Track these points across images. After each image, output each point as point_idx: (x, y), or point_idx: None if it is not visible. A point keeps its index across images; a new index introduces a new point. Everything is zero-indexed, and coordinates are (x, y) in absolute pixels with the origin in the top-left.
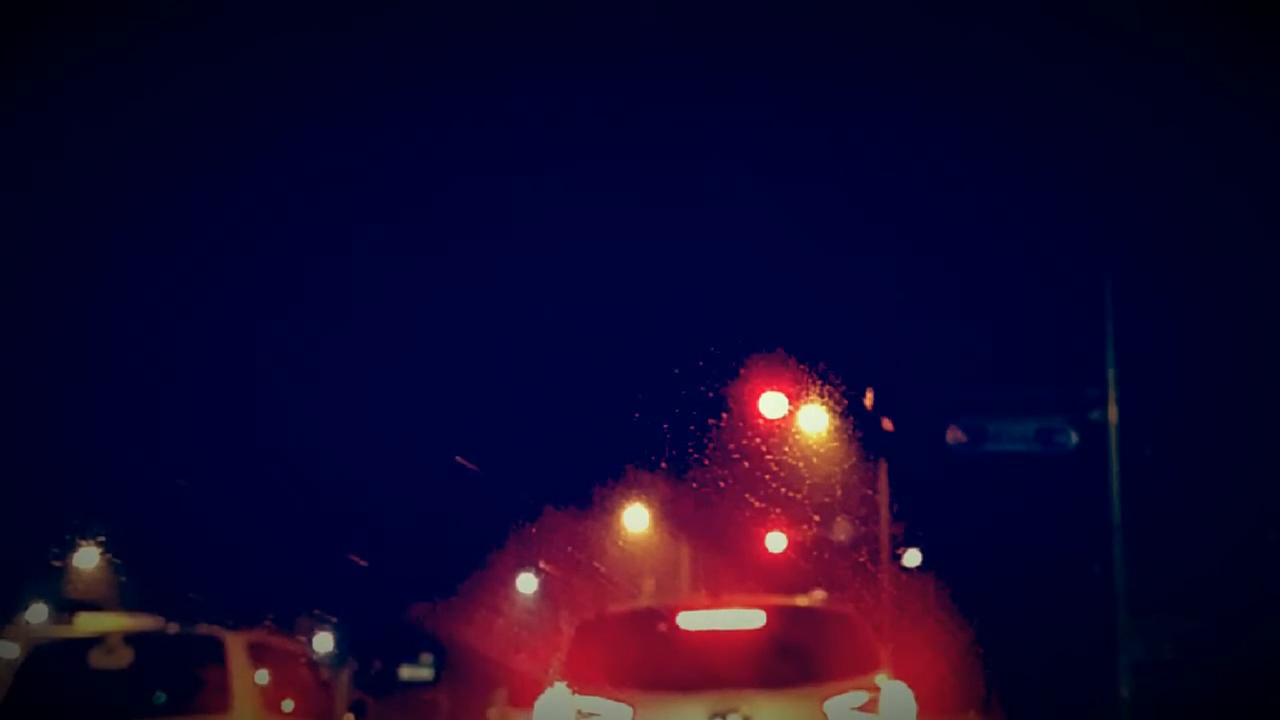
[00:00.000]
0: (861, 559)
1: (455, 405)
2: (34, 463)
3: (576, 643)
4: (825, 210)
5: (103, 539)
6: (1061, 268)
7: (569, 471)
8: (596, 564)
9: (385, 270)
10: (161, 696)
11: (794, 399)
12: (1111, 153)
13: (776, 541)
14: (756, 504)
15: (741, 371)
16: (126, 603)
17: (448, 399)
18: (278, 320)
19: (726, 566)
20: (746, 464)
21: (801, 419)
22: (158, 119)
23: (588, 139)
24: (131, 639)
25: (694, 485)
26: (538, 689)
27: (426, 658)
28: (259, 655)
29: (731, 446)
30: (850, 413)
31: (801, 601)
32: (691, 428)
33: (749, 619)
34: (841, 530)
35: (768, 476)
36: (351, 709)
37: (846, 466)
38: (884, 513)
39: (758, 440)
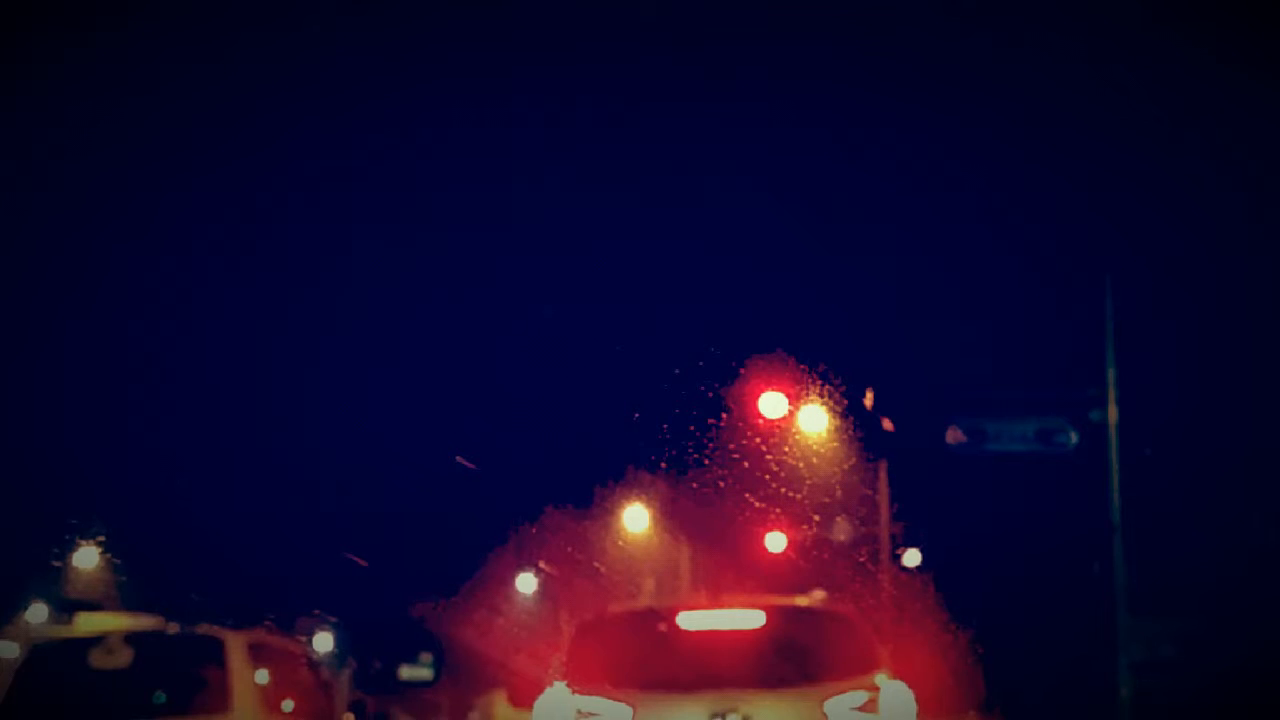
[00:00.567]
0: (861, 559)
1: (455, 405)
2: (34, 463)
3: (576, 642)
4: (825, 210)
5: (103, 539)
6: (1061, 268)
7: (569, 471)
8: (596, 564)
9: (385, 270)
10: (161, 696)
11: (794, 399)
12: (1111, 152)
13: (776, 541)
14: (756, 504)
15: (741, 372)
16: (126, 603)
17: (448, 399)
18: (278, 320)
19: (726, 567)
20: (746, 464)
21: (801, 419)
22: (158, 119)
23: (588, 139)
24: (131, 639)
25: (694, 485)
26: (538, 689)
27: (426, 658)
28: (259, 655)
29: (731, 447)
30: (850, 413)
31: (801, 601)
32: (691, 428)
33: (749, 619)
34: (841, 530)
35: (768, 477)
36: (351, 709)
37: (846, 466)
38: (884, 513)
39: (758, 440)
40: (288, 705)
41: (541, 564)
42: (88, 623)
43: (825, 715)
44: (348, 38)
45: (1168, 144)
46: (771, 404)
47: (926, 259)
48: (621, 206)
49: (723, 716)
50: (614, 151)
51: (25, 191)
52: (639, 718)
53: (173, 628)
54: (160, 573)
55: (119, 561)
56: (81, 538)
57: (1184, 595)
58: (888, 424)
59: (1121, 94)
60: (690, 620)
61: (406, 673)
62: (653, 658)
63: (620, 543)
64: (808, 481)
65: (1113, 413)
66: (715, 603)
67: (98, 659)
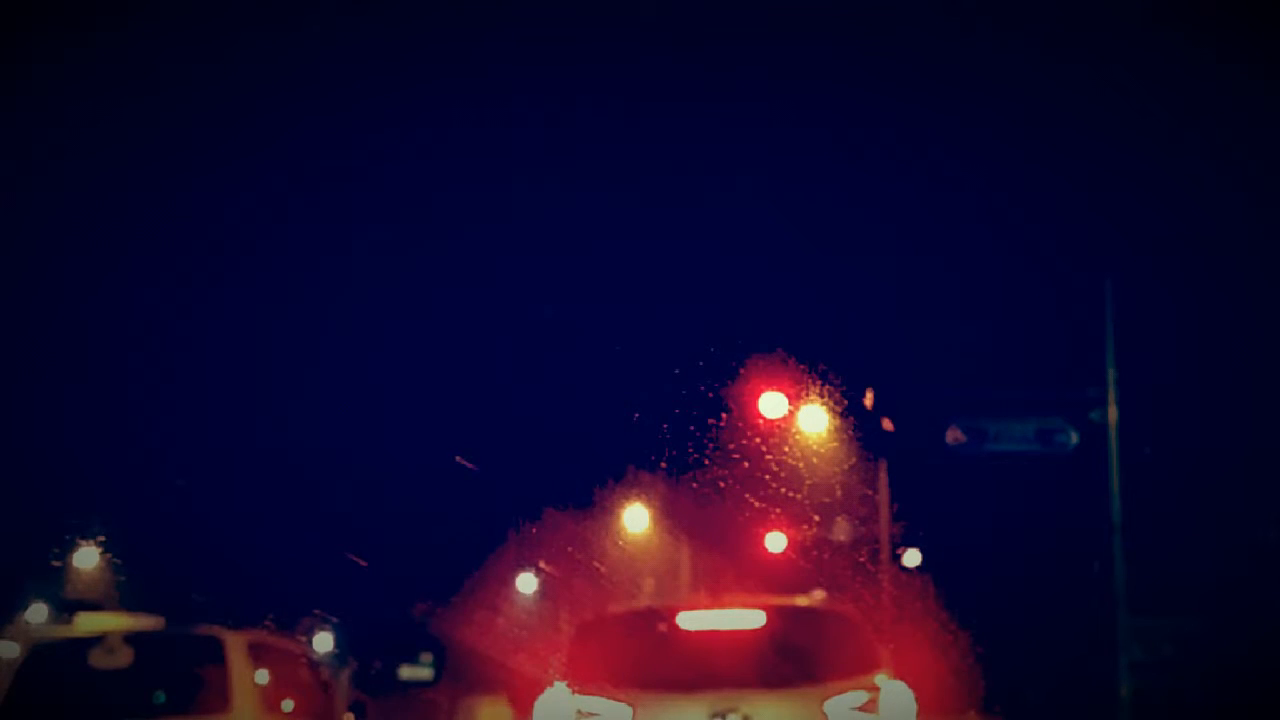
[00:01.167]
0: (861, 559)
1: (456, 405)
2: (34, 463)
3: (577, 643)
4: (825, 210)
5: (103, 539)
6: (1061, 268)
7: (569, 471)
8: (596, 564)
9: (386, 270)
10: (161, 696)
11: (794, 399)
12: (1111, 153)
13: (776, 541)
14: (756, 504)
15: (741, 371)
16: (126, 603)
17: (448, 399)
18: (278, 320)
19: (726, 566)
20: (746, 464)
21: (801, 419)
22: (158, 119)
23: (588, 139)
24: (131, 639)
25: (694, 485)
26: (538, 689)
27: (426, 658)
28: (259, 655)
29: (731, 446)
30: (850, 413)
31: (801, 601)
32: (691, 428)
33: (749, 619)
34: (841, 530)
35: (768, 477)
36: (351, 709)
37: (846, 466)
38: (884, 513)
39: (758, 440)
40: (288, 705)
41: (541, 564)
42: (88, 623)
43: (825, 715)
44: (348, 38)
45: (1168, 144)
46: (771, 404)
47: (926, 259)
48: (621, 206)
49: (723, 716)
50: (614, 151)
51: (26, 191)
52: (639, 718)
53: (173, 628)
54: (160, 573)
55: (119, 561)
56: (81, 538)
57: (1184, 595)
58: (888, 424)
59: (1121, 94)
60: (690, 620)
61: (406, 673)
62: (653, 658)
63: (620, 543)
64: (808, 481)
65: (1113, 413)
66: (715, 603)
67: (98, 659)
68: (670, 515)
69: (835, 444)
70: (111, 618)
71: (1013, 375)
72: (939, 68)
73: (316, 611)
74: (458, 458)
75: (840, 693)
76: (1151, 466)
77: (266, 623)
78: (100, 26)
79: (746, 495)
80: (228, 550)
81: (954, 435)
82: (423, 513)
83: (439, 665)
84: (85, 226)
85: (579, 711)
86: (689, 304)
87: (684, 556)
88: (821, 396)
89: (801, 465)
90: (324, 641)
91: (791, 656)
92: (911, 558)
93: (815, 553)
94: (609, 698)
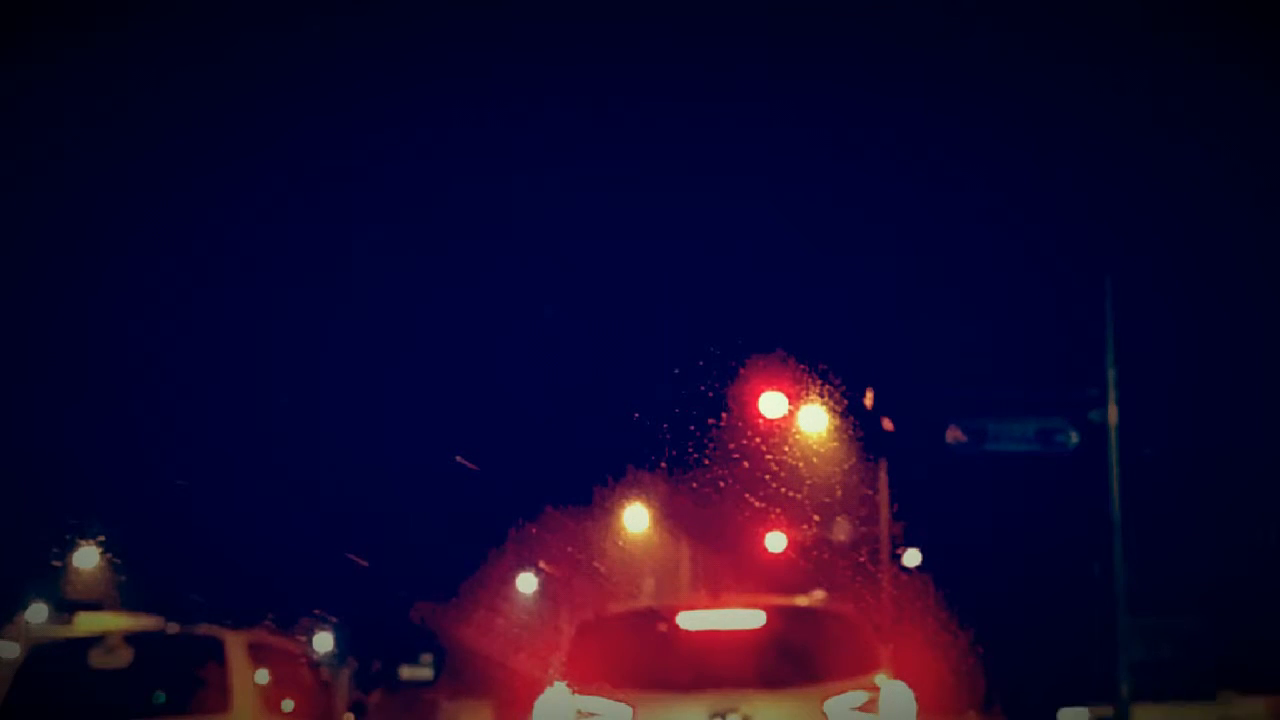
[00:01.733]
0: (861, 559)
1: (456, 405)
2: (34, 463)
3: (576, 643)
4: (825, 210)
5: (103, 539)
6: (1061, 268)
7: (569, 471)
8: (596, 564)
9: (386, 270)
10: (161, 696)
11: (794, 399)
12: (1111, 152)
13: (776, 541)
14: (756, 504)
15: (741, 371)
16: (126, 603)
17: (449, 399)
18: (278, 321)
19: (726, 566)
20: (746, 464)
21: (801, 419)
22: (158, 120)
23: (588, 139)
24: (131, 639)
25: (694, 485)
26: (537, 689)
27: (426, 658)
28: (259, 655)
29: (731, 446)
30: (850, 413)
31: (801, 601)
32: (691, 428)
33: (749, 619)
34: (841, 530)
35: (768, 476)
36: (351, 709)
37: (846, 466)
38: (884, 513)
39: (758, 440)
40: (288, 705)
41: (541, 564)
42: (88, 623)
43: (825, 715)
44: (348, 38)
45: (1168, 144)
46: (771, 404)
47: (926, 259)
48: (622, 206)
49: (723, 716)
50: (614, 151)
51: (27, 192)
52: (639, 718)
53: (173, 628)
54: (160, 573)
55: (119, 561)
56: (81, 538)
57: (1184, 595)
58: (888, 424)
59: (1121, 94)
60: (690, 620)
61: (406, 673)
62: (653, 658)
63: (620, 543)
64: (808, 481)
65: (1113, 413)
66: (715, 603)
67: (98, 659)
68: (670, 515)
69: (835, 444)
70: (111, 618)
71: (1013, 375)
72: (939, 68)
73: (316, 611)
74: (458, 458)
75: (840, 693)
76: (1151, 466)
77: (266, 623)
78: (100, 26)
79: (746, 495)
80: (228, 550)
81: (954, 435)
82: (423, 513)
83: (439, 665)
84: (85, 227)
85: (579, 711)
86: (689, 304)
87: (684, 556)
88: (821, 396)
89: (801, 465)
90: (324, 641)
91: (791, 656)
92: (911, 558)
93: (815, 553)
94: (609, 698)
